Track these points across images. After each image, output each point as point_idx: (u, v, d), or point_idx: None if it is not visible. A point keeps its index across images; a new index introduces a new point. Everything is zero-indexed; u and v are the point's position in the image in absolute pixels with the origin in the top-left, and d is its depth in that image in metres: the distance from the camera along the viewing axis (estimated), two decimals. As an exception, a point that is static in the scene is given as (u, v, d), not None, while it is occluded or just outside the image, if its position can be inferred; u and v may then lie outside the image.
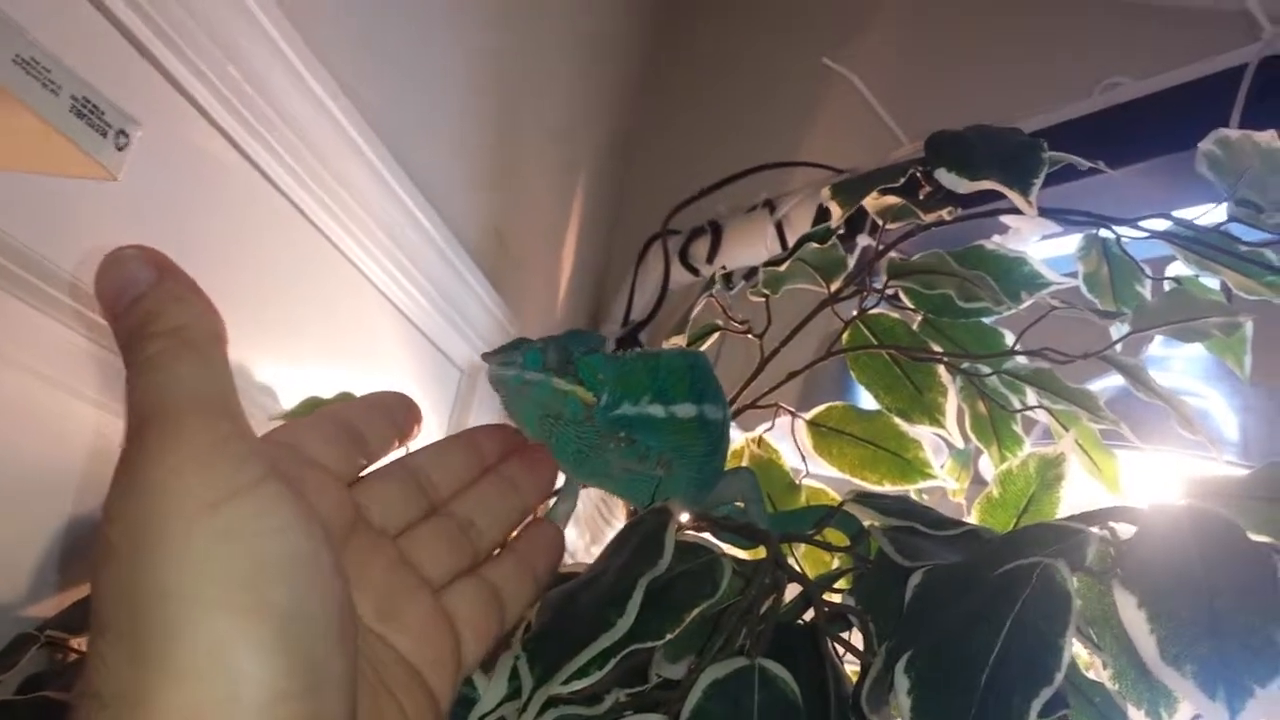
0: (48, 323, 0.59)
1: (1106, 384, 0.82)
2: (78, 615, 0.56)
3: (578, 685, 0.36)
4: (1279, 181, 0.57)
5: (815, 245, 0.67)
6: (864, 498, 0.48)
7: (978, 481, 0.83)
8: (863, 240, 0.81)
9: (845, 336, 0.73)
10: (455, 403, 1.06)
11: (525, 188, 1.18)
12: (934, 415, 0.73)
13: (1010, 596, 0.36)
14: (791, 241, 1.11)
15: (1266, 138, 0.57)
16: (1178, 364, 0.81)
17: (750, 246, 1.19)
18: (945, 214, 0.66)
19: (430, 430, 1.04)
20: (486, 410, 1.10)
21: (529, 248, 1.19)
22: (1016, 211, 0.73)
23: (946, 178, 0.58)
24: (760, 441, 0.75)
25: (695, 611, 0.39)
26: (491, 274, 1.06)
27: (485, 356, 0.42)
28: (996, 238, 0.85)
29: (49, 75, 0.35)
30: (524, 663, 0.37)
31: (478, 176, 1.06)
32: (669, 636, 0.38)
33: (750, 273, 1.25)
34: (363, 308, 0.90)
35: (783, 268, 0.67)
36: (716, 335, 0.73)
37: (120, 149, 0.39)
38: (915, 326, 0.73)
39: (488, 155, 1.08)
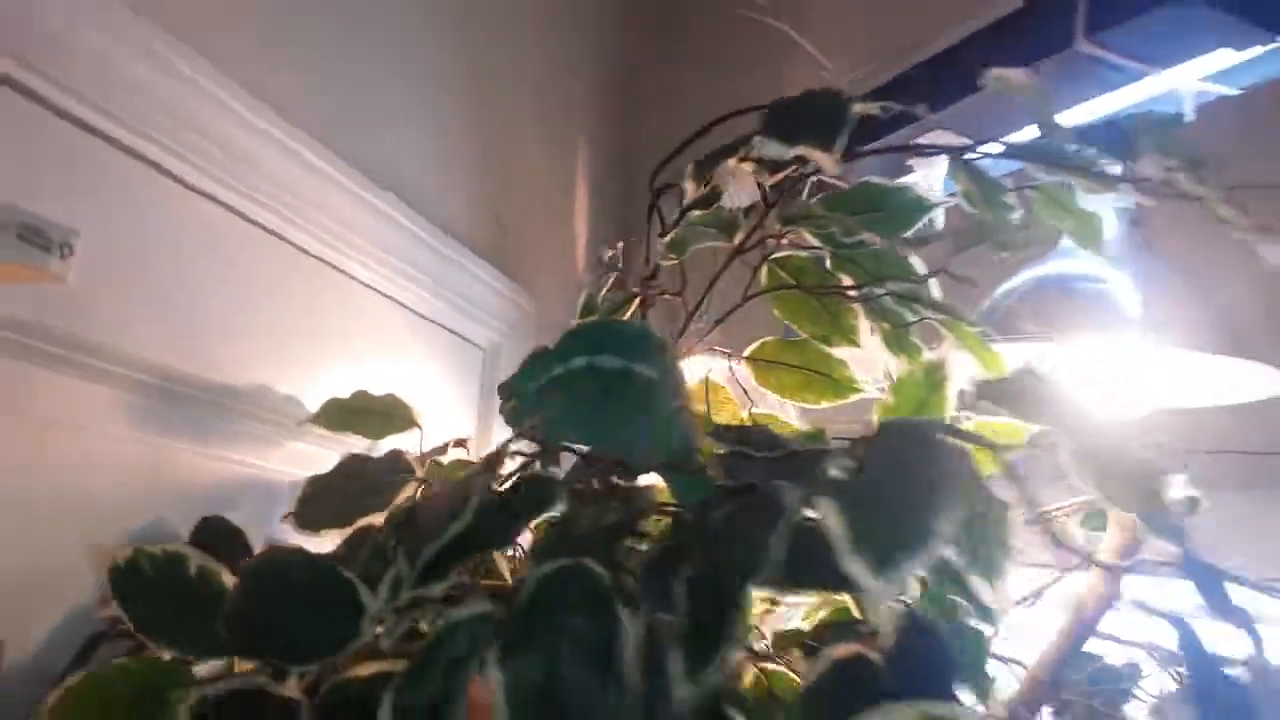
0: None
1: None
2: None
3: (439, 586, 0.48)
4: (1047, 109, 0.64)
5: (699, 212, 0.77)
6: (715, 431, 0.59)
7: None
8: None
9: (764, 280, 0.82)
10: (482, 378, 1.18)
11: (517, 161, 1.28)
12: (849, 337, 0.82)
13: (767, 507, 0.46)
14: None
15: (1021, 76, 0.65)
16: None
17: (741, 189, 1.27)
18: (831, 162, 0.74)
19: (459, 405, 1.17)
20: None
21: (534, 219, 1.30)
22: (908, 150, 0.82)
23: (769, 146, 0.66)
24: (708, 383, 0.86)
25: (534, 520, 0.50)
26: (497, 258, 1.17)
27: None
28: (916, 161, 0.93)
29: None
30: (401, 553, 0.49)
31: (462, 170, 1.17)
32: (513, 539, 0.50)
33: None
34: (378, 315, 1.03)
35: (666, 239, 0.77)
36: (637, 302, 0.84)
37: (64, 257, 0.52)
38: (828, 261, 0.82)
39: (470, 144, 1.19)
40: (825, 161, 0.64)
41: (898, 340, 0.80)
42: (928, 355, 0.75)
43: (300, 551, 0.53)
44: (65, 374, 0.70)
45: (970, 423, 0.75)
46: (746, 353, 0.84)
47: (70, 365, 0.71)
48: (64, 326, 0.69)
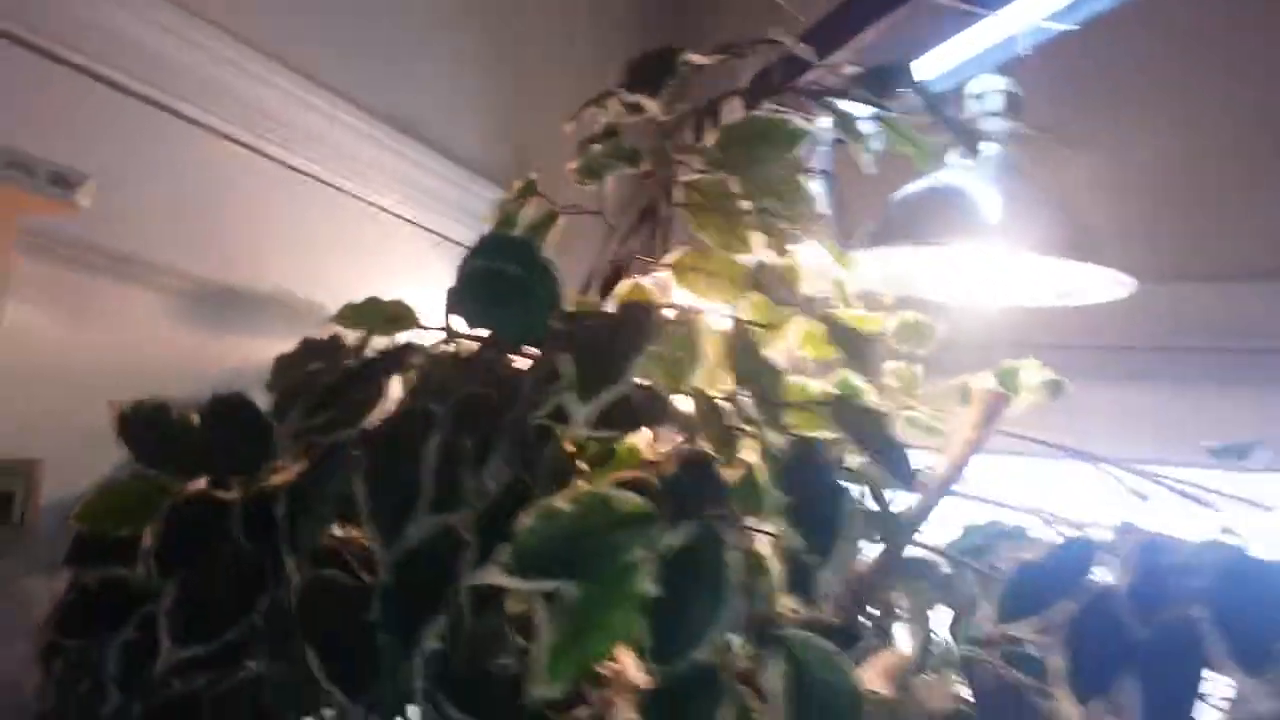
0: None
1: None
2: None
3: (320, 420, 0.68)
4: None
5: (598, 147, 0.93)
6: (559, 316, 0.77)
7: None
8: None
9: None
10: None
11: (533, 99, 1.46)
12: (746, 245, 0.97)
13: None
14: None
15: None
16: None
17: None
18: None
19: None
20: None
21: (551, 150, 1.47)
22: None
23: (622, 93, 0.83)
24: (636, 286, 1.03)
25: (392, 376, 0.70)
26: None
27: None
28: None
29: (34, 166, 0.70)
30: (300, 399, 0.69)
31: (479, 109, 1.36)
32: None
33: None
34: (406, 239, 1.24)
35: (570, 167, 0.94)
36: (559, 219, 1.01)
37: (84, 190, 0.74)
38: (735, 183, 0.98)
39: (488, 84, 1.37)
40: (651, 106, 0.80)
41: (779, 247, 0.95)
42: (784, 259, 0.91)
43: (239, 397, 0.74)
44: (116, 283, 0.93)
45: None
46: (666, 260, 1.01)
47: (120, 276, 0.93)
48: (115, 244, 0.92)
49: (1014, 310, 1.02)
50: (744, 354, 0.75)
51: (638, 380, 0.66)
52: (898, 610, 0.98)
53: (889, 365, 1.19)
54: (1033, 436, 0.91)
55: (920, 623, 0.99)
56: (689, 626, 0.55)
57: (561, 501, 0.57)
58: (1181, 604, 0.75)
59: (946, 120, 0.78)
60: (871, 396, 0.74)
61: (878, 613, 0.98)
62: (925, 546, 0.99)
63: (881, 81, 0.80)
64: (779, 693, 0.56)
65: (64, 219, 0.82)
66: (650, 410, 0.71)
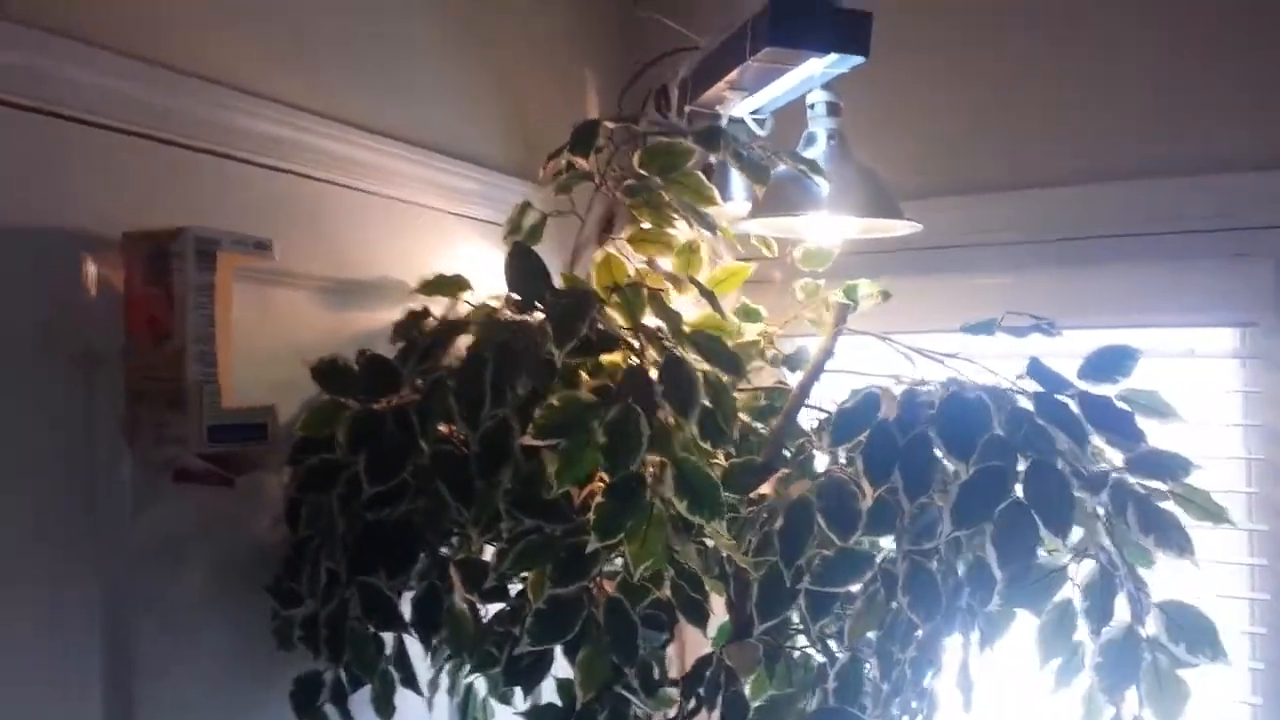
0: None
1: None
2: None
3: (427, 365, 1.26)
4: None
5: (564, 175, 1.48)
6: (550, 289, 1.33)
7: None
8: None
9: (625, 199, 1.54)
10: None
11: (536, 103, 2.00)
12: (671, 222, 1.52)
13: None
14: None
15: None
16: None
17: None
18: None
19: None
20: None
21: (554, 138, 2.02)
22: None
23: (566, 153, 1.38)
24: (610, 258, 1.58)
25: (459, 336, 1.27)
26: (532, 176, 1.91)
27: None
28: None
29: (245, 239, 1.27)
30: (416, 347, 1.28)
31: (495, 123, 1.91)
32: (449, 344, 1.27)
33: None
34: (462, 231, 1.81)
35: (550, 189, 1.49)
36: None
37: (273, 248, 1.30)
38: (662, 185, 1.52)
39: (499, 98, 1.92)
40: (583, 164, 1.35)
41: (691, 224, 1.51)
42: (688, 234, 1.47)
43: (376, 354, 1.32)
44: (282, 289, 1.51)
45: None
46: (624, 236, 1.56)
47: (282, 284, 1.50)
48: (278, 265, 1.49)
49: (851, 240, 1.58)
50: (659, 305, 1.31)
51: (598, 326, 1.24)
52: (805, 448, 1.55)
53: (799, 281, 1.75)
54: (854, 329, 1.47)
55: (805, 454, 1.55)
56: (623, 455, 1.13)
57: (554, 400, 1.15)
58: (922, 424, 1.31)
59: (742, 162, 1.33)
60: (725, 325, 1.31)
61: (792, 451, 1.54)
62: (811, 406, 1.55)
63: (709, 138, 1.35)
64: (670, 481, 1.15)
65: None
66: (605, 342, 1.28)
